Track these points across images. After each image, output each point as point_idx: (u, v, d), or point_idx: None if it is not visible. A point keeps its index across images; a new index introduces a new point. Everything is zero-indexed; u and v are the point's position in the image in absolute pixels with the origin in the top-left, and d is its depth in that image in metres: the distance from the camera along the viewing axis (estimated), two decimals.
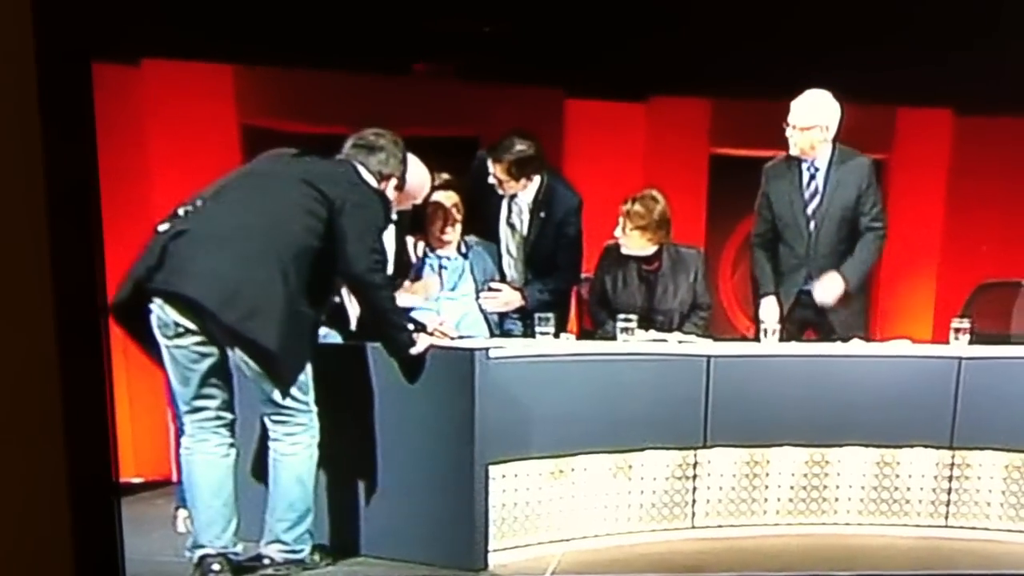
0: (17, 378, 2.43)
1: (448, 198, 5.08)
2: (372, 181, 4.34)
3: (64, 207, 2.39)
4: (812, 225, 5.31)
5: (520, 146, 5.09)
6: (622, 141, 6.82)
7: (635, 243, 5.23)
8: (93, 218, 2.53)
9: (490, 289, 5.14)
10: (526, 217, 5.24)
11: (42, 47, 2.30)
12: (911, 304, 6.90)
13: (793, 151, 5.27)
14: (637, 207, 5.18)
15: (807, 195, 5.32)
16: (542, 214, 5.21)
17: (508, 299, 5.18)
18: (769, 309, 5.30)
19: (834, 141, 5.28)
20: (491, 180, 5.13)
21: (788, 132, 5.22)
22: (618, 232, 5.24)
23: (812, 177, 5.31)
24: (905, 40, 6.05)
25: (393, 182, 4.44)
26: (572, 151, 6.60)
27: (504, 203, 5.25)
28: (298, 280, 4.00)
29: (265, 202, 4.14)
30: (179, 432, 4.19)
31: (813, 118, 5.21)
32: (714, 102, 6.85)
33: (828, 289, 5.24)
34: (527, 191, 5.19)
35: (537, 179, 5.18)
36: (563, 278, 5.31)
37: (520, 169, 5.10)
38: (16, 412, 2.46)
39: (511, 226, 5.28)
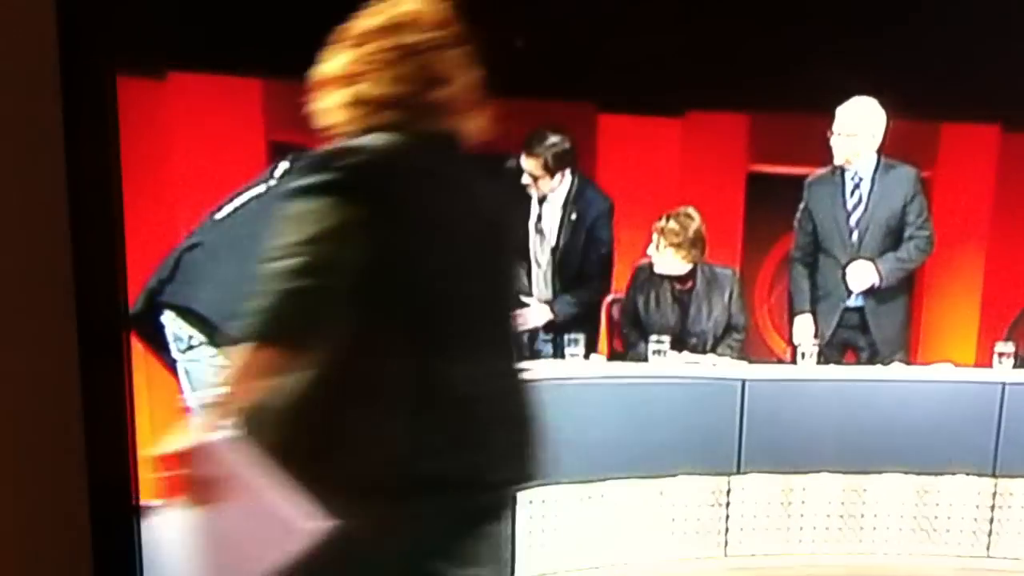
0: (37, 397, 2.40)
1: None
2: None
3: (87, 222, 2.35)
4: (855, 236, 5.22)
5: (554, 138, 5.04)
6: (657, 157, 6.74)
7: (669, 261, 5.13)
8: (117, 234, 2.48)
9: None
10: (556, 220, 5.16)
11: (66, 59, 2.25)
12: (954, 327, 6.78)
13: (838, 160, 5.19)
14: (672, 224, 5.09)
15: (851, 205, 5.23)
16: (573, 216, 5.13)
17: (537, 314, 5.10)
18: (804, 328, 5.23)
19: (878, 151, 5.20)
20: (524, 180, 5.05)
21: (832, 140, 5.16)
22: (651, 250, 5.15)
23: (856, 187, 5.23)
24: (952, 53, 5.94)
25: None
26: (605, 167, 6.51)
27: (533, 210, 5.18)
28: None
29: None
30: None
31: (859, 124, 5.14)
32: (752, 117, 6.75)
33: (859, 276, 5.16)
34: (557, 192, 5.12)
35: (569, 178, 5.11)
36: (593, 288, 5.23)
37: (557, 162, 5.04)
38: (36, 433, 2.42)
39: (540, 232, 5.19)
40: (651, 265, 5.18)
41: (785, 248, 5.79)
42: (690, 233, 5.08)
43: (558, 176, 5.07)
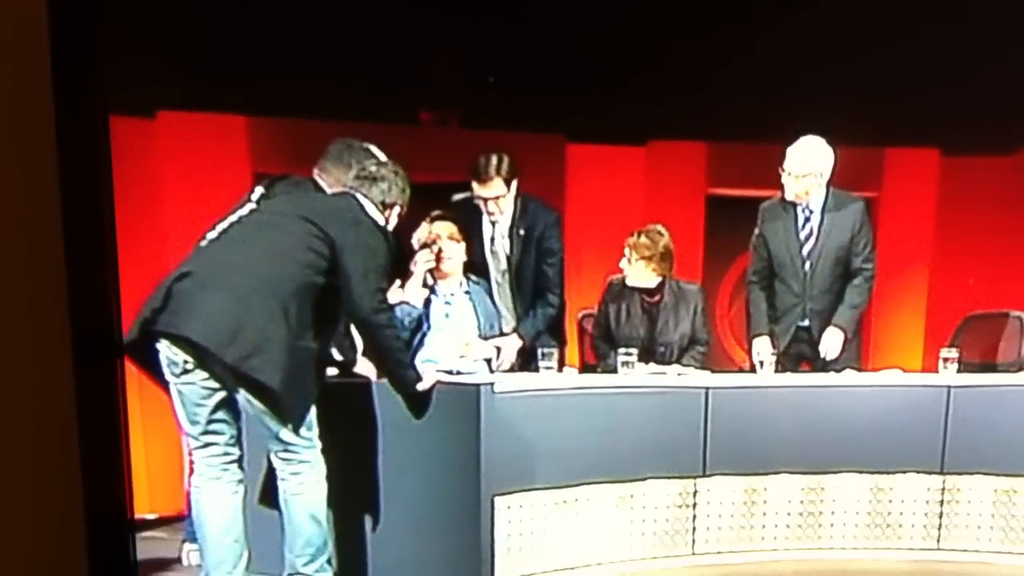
0: (32, 415, 2.44)
1: (445, 228, 5.12)
2: (375, 212, 4.33)
3: (82, 254, 2.42)
4: (808, 265, 5.43)
5: (496, 156, 5.14)
6: (622, 183, 6.97)
7: (640, 274, 5.35)
8: (110, 265, 2.56)
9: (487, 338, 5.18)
10: (506, 239, 5.28)
11: (60, 101, 2.35)
12: (902, 335, 7.00)
13: (788, 196, 5.37)
14: (643, 239, 5.32)
15: (802, 237, 5.43)
16: (521, 231, 5.24)
17: (510, 345, 5.21)
18: (762, 348, 5.39)
19: (828, 184, 5.39)
20: (490, 208, 5.16)
21: (784, 178, 5.32)
22: (623, 263, 5.36)
23: (807, 220, 5.43)
24: (894, 84, 6.24)
25: (396, 211, 4.43)
26: (573, 193, 6.75)
27: (487, 235, 5.31)
28: (300, 317, 4.03)
29: (266, 239, 4.16)
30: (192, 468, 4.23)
31: (808, 165, 5.31)
32: (710, 145, 7.01)
33: (831, 344, 5.38)
34: (506, 213, 5.23)
35: (513, 198, 5.22)
36: (551, 304, 5.32)
37: (510, 172, 5.13)
38: (31, 450, 2.46)
39: (494, 253, 5.32)
40: (623, 280, 5.40)
41: (743, 265, 6.00)
42: (659, 248, 5.32)
43: (511, 184, 5.18)
